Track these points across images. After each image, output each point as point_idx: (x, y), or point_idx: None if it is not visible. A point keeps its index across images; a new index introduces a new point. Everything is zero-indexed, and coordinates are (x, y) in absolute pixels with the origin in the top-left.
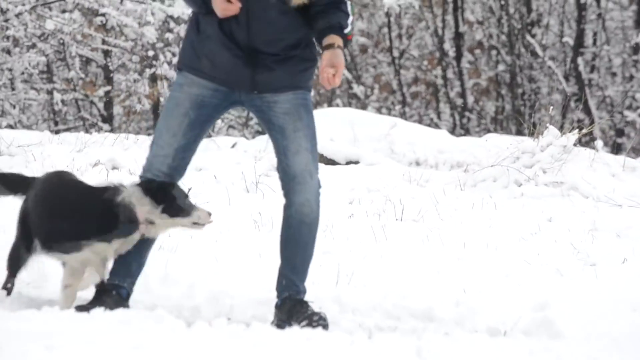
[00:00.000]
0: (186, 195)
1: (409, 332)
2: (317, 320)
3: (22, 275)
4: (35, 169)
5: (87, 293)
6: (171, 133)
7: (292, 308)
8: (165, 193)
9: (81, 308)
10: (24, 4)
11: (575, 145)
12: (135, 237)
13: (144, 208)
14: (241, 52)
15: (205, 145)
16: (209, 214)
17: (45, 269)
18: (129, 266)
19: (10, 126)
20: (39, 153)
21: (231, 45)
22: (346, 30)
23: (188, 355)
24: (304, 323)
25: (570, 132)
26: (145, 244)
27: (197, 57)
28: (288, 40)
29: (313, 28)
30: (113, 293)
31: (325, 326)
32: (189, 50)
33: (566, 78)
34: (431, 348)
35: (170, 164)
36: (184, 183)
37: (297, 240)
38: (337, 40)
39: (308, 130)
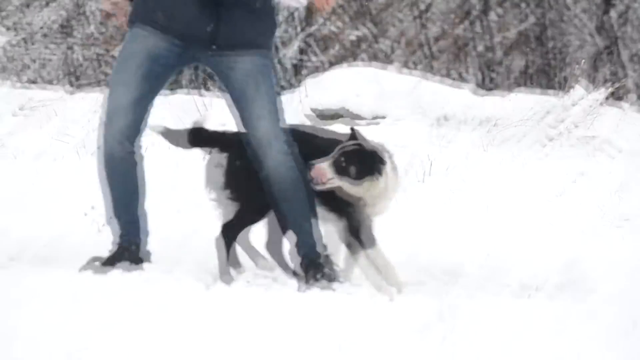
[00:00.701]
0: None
1: (434, 292)
2: (330, 278)
3: (39, 236)
4: (55, 125)
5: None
6: (126, 85)
7: (308, 266)
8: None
9: (103, 263)
10: None
11: (607, 99)
12: None
13: None
14: (200, 3)
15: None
16: None
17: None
18: (136, 223)
19: (30, 81)
20: (59, 109)
21: None
22: None
23: (206, 317)
24: (319, 277)
25: (600, 87)
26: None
27: (152, 9)
28: None
29: None
30: (133, 248)
31: (339, 281)
32: (142, 3)
33: (598, 31)
34: (457, 308)
35: (130, 118)
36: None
37: (286, 201)
38: None
39: (271, 92)
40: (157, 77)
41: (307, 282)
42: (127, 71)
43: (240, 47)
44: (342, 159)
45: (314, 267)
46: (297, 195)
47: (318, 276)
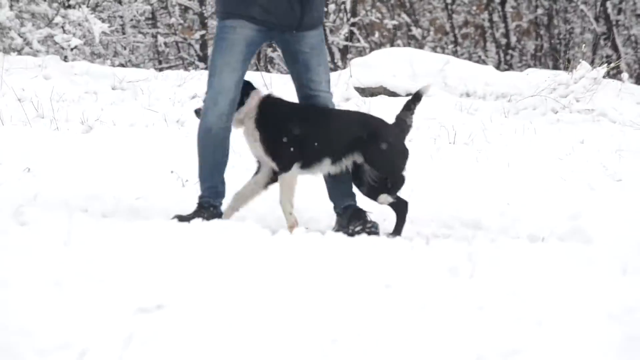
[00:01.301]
0: None
1: (461, 239)
2: (369, 228)
3: (132, 192)
4: (143, 101)
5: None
6: (231, 68)
7: (352, 215)
8: None
9: (182, 218)
10: None
11: (604, 77)
12: None
13: None
14: None
15: (285, 81)
16: None
17: (151, 186)
18: (217, 187)
19: (121, 65)
20: (146, 87)
21: None
22: None
23: (273, 258)
24: (359, 228)
25: (600, 66)
26: (225, 167)
27: (249, 5)
28: None
29: None
30: (211, 209)
31: (377, 233)
32: (236, 1)
33: (596, 19)
34: (480, 252)
35: (231, 97)
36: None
37: None
38: None
39: (326, 62)
40: (250, 58)
41: (350, 230)
42: (232, 56)
43: (310, 27)
44: None
45: (357, 216)
46: None
47: (362, 225)
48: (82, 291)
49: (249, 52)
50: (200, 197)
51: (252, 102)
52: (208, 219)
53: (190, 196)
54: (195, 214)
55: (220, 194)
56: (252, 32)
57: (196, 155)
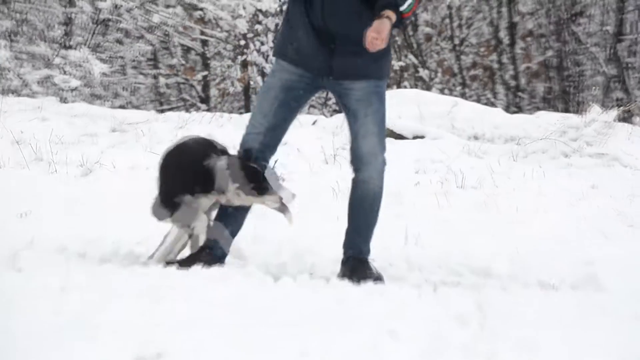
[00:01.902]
0: (277, 178)
1: (470, 286)
2: (375, 280)
3: (131, 237)
4: (144, 144)
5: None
6: (263, 114)
7: (355, 266)
8: (257, 173)
9: (182, 265)
10: (134, 0)
11: (615, 121)
12: (221, 200)
13: (234, 183)
14: (319, 39)
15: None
16: (293, 196)
17: (151, 231)
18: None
19: (122, 106)
20: (147, 129)
21: (311, 31)
22: (402, 8)
23: (275, 307)
24: (365, 281)
25: (611, 109)
26: (241, 211)
27: (285, 44)
28: (362, 27)
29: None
30: (207, 251)
31: (382, 281)
32: (280, 39)
33: (607, 62)
34: (489, 301)
35: (262, 140)
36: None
37: (361, 209)
38: (388, 13)
39: (377, 115)
40: (292, 106)
41: (353, 279)
42: (266, 101)
43: (353, 77)
44: None
45: (361, 266)
46: (374, 207)
47: (366, 274)
48: (79, 339)
49: (287, 98)
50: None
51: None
52: (208, 264)
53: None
54: (194, 259)
55: (226, 237)
56: (291, 76)
57: None
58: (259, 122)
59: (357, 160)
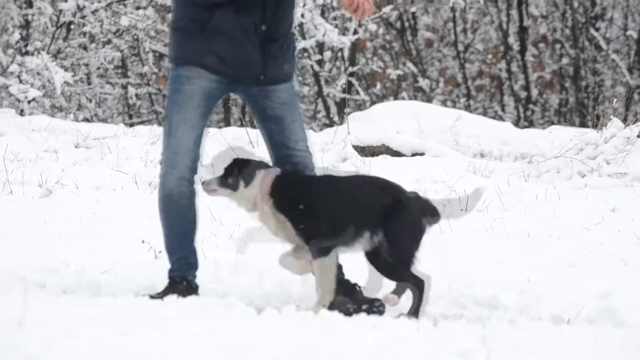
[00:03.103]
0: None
1: (475, 320)
2: (377, 307)
3: (97, 264)
4: (110, 161)
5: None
6: (189, 125)
7: (348, 293)
8: None
9: (155, 296)
10: (99, 1)
11: (638, 137)
12: None
13: None
14: (256, 46)
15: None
16: None
17: (119, 258)
18: (188, 259)
19: (86, 119)
20: (114, 145)
21: (247, 40)
22: None
23: (259, 341)
24: (365, 307)
25: (633, 123)
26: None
27: (203, 53)
28: (288, 21)
29: None
30: (184, 283)
31: (383, 312)
32: (191, 46)
33: (630, 71)
34: (496, 335)
35: (192, 157)
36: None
37: None
38: None
39: (301, 118)
40: (209, 113)
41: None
42: (189, 111)
43: (278, 80)
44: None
45: (354, 291)
46: None
47: (361, 303)
48: None
49: (208, 106)
50: (170, 272)
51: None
52: (184, 295)
53: (164, 269)
54: (168, 292)
55: (193, 266)
56: (210, 84)
57: (160, 226)
58: (186, 135)
59: (300, 163)
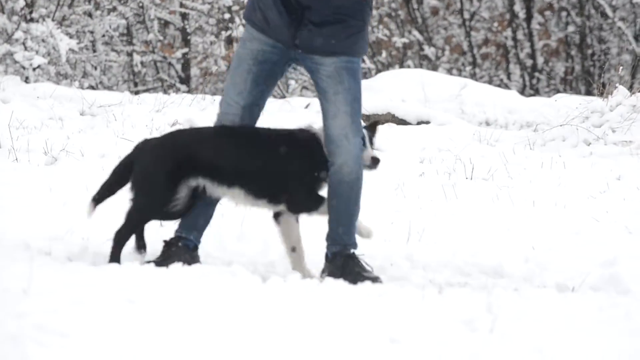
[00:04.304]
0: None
1: (479, 288)
2: (373, 281)
3: (102, 232)
4: (116, 129)
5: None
6: (237, 90)
7: (345, 264)
8: None
9: (159, 263)
10: None
11: None
12: None
13: None
14: (284, 7)
15: (279, 106)
16: (374, 159)
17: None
18: (195, 220)
19: (92, 87)
20: (120, 113)
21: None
22: None
23: (263, 308)
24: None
25: (639, 91)
26: (210, 204)
27: (254, 8)
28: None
29: None
30: (179, 245)
31: (378, 281)
32: (250, 2)
33: (636, 39)
34: (501, 303)
35: (239, 122)
36: None
37: (339, 197)
38: None
39: (348, 94)
40: (266, 79)
41: (347, 279)
42: (239, 76)
43: (321, 52)
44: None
45: (352, 262)
46: (354, 193)
47: (361, 274)
48: (43, 347)
49: (260, 72)
50: (176, 233)
51: None
52: (188, 262)
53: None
54: (164, 255)
55: (198, 228)
56: (263, 47)
57: None
58: (234, 101)
59: (329, 143)
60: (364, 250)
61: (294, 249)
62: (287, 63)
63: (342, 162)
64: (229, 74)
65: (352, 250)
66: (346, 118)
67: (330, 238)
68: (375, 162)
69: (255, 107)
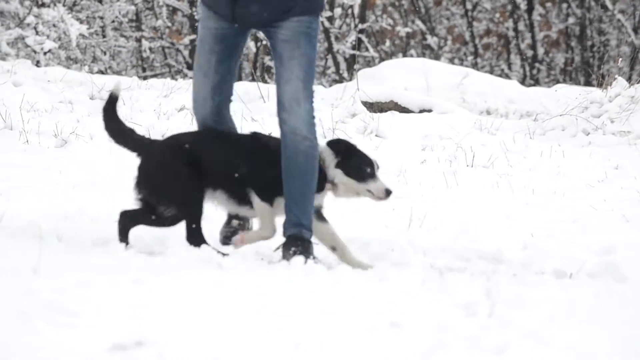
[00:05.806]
0: (371, 164)
1: (479, 273)
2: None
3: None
4: (124, 113)
5: None
6: (202, 72)
7: (298, 247)
8: (348, 151)
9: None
10: None
11: None
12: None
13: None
14: None
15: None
16: (387, 191)
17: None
18: None
19: (101, 72)
20: (128, 97)
21: None
22: None
23: (267, 291)
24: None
25: (638, 82)
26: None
27: None
28: None
29: None
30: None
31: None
32: None
33: (635, 31)
34: (500, 289)
35: (211, 105)
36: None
37: (294, 170)
38: None
39: (304, 59)
40: (231, 55)
41: (284, 256)
42: (203, 57)
43: (261, 24)
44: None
45: (301, 243)
46: (307, 167)
47: (297, 249)
48: (52, 325)
49: (223, 51)
50: None
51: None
52: (197, 244)
53: None
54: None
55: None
56: (217, 24)
57: None
58: (202, 84)
59: (280, 108)
60: (367, 235)
61: (334, 248)
62: (246, 32)
63: (294, 127)
64: (195, 57)
65: (306, 235)
66: (298, 83)
67: (287, 221)
68: (387, 194)
69: (223, 85)
